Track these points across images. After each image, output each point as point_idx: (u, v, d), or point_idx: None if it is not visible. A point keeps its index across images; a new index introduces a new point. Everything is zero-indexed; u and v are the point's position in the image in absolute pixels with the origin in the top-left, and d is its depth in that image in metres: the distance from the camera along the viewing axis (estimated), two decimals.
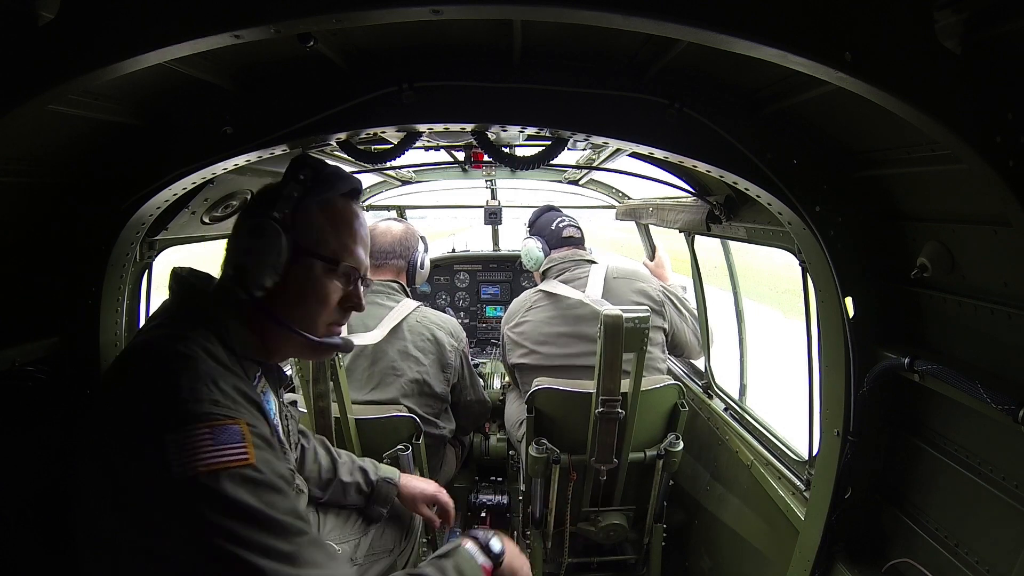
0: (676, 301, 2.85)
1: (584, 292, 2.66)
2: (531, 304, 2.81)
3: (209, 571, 0.90)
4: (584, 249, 2.95)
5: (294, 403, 2.20)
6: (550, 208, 3.16)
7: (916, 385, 1.43)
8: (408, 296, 2.55)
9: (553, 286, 2.77)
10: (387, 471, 1.93)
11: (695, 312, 2.93)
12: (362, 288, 1.33)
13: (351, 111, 1.50)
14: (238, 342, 1.15)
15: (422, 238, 2.69)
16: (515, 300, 2.97)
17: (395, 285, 2.51)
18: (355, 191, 1.35)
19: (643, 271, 2.98)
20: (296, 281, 1.21)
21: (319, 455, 1.82)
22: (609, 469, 2.43)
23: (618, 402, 2.33)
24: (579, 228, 3.01)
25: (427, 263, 2.70)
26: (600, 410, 2.34)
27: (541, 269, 2.94)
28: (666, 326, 2.76)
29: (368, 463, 1.93)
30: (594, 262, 2.83)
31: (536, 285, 2.93)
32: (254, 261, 1.17)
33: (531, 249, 2.97)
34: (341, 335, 1.34)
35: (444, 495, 1.97)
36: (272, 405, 1.27)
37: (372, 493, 1.87)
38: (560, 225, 2.98)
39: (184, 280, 1.22)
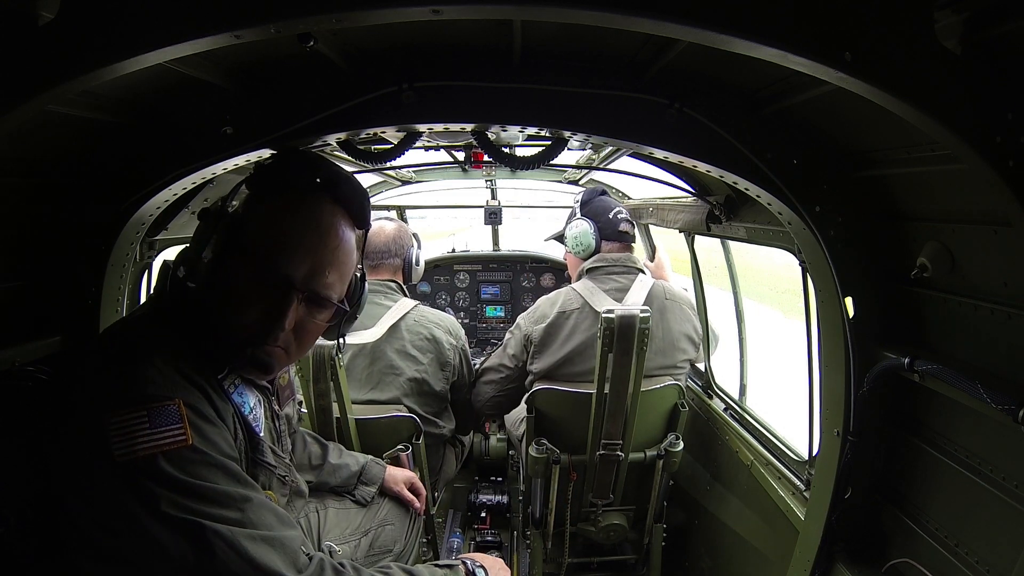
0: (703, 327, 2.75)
1: (621, 304, 2.44)
2: (571, 305, 2.52)
3: (163, 538, 0.93)
4: (633, 251, 2.72)
5: (300, 402, 2.21)
6: (604, 192, 2.84)
7: (916, 385, 1.43)
8: (405, 295, 2.55)
9: (596, 293, 2.51)
10: (375, 459, 2.05)
11: None
12: (300, 307, 1.13)
13: (351, 111, 1.50)
14: (192, 330, 1.11)
15: (414, 235, 2.68)
16: (544, 298, 2.64)
17: (392, 284, 2.51)
18: (326, 184, 1.17)
19: (686, 295, 2.73)
20: (222, 274, 1.12)
21: (308, 443, 1.89)
22: (609, 467, 2.44)
23: (619, 445, 2.34)
24: (633, 223, 2.75)
25: (422, 260, 2.70)
26: (601, 452, 2.34)
27: (587, 266, 2.64)
28: (695, 358, 2.67)
29: (358, 453, 2.04)
30: (643, 271, 2.64)
31: (549, 282, 2.75)
32: (189, 245, 1.14)
33: (584, 232, 2.64)
34: (268, 353, 1.13)
35: (418, 481, 2.11)
36: (250, 401, 1.23)
37: (361, 472, 1.95)
38: (617, 216, 2.68)
39: (164, 267, 1.20)
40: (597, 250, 2.67)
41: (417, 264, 2.64)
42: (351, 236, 1.22)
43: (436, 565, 1.36)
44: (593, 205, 2.73)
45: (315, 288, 1.15)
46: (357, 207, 1.22)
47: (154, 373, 0.99)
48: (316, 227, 1.14)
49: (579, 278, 2.66)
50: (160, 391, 0.97)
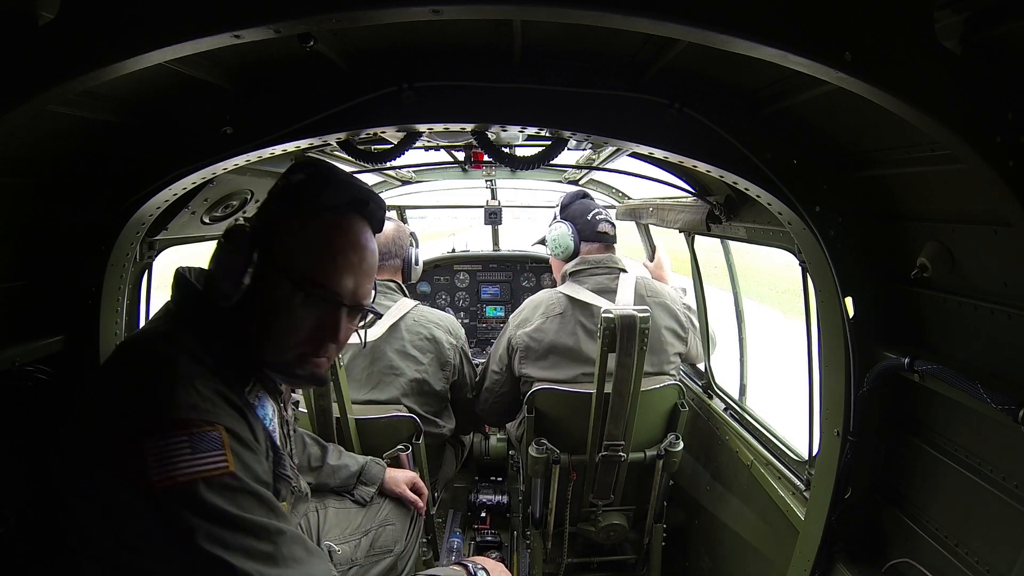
0: (693, 320, 2.75)
1: (612, 303, 2.45)
2: (554, 310, 2.52)
3: (193, 569, 0.91)
4: (615, 251, 2.72)
5: (296, 403, 2.21)
6: (585, 195, 2.85)
7: (916, 385, 1.43)
8: (405, 295, 2.55)
9: (580, 293, 2.51)
10: (375, 459, 2.06)
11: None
12: (346, 318, 1.18)
13: (351, 111, 1.50)
14: (223, 348, 1.11)
15: (412, 234, 2.69)
16: (529, 300, 2.66)
17: (392, 284, 2.52)
18: (357, 202, 1.19)
19: (667, 289, 2.73)
20: (263, 298, 1.12)
21: (308, 445, 1.89)
22: (611, 467, 2.44)
23: (621, 446, 2.34)
24: (613, 224, 2.75)
25: (420, 259, 2.70)
26: (603, 454, 2.35)
27: (569, 269, 2.66)
28: (684, 351, 2.67)
29: (357, 454, 2.05)
30: (625, 270, 2.64)
31: (550, 283, 2.74)
32: (220, 268, 1.12)
33: (562, 235, 2.68)
34: (318, 365, 1.20)
35: (420, 481, 2.12)
36: (269, 412, 1.23)
37: (361, 472, 1.96)
38: (596, 217, 2.69)
39: (182, 279, 1.18)
40: (576, 251, 2.69)
41: (416, 263, 2.65)
42: (375, 244, 1.26)
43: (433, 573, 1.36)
44: (572, 208, 2.75)
45: (359, 300, 1.20)
46: (379, 219, 1.27)
47: (196, 397, 0.97)
48: (356, 245, 1.18)
49: (563, 281, 2.68)
50: (203, 416, 0.96)
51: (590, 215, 2.70)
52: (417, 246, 2.71)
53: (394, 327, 2.39)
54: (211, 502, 0.91)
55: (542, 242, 2.90)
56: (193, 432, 0.93)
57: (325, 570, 1.05)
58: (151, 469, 0.89)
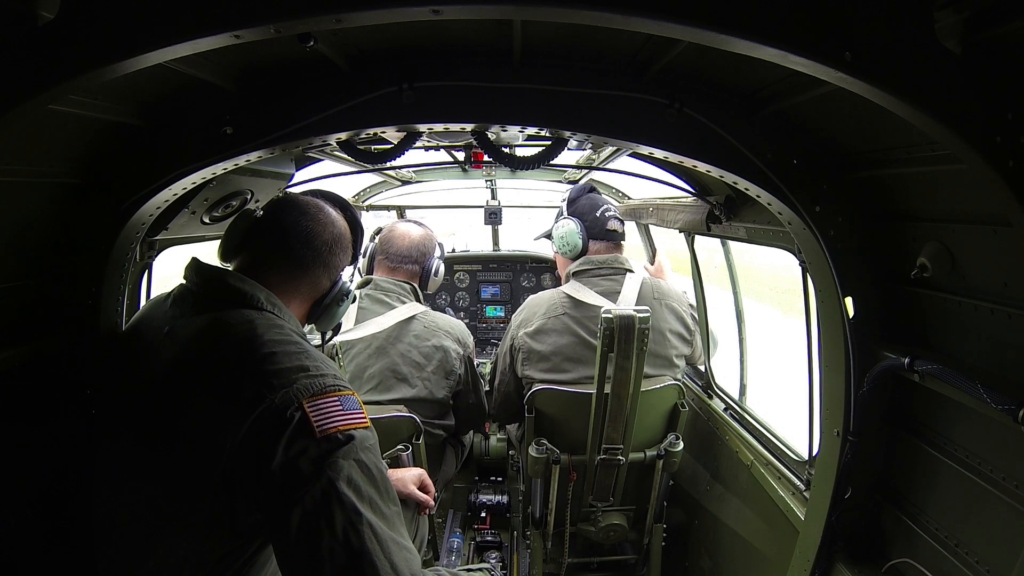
0: (696, 320, 2.72)
1: (615, 304, 2.43)
2: (556, 311, 2.49)
3: (326, 514, 1.02)
4: (622, 250, 2.68)
5: None
6: (592, 189, 2.80)
7: (916, 385, 1.43)
8: (419, 299, 2.52)
9: (584, 294, 2.49)
10: None
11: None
12: None
13: (351, 111, 1.50)
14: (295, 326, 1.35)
15: (439, 244, 2.66)
16: (531, 300, 2.63)
17: (407, 286, 2.49)
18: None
19: (675, 291, 2.69)
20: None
21: None
22: (610, 470, 2.44)
23: (620, 450, 2.34)
24: (622, 221, 2.69)
25: (441, 270, 2.66)
26: (601, 457, 2.35)
27: (573, 269, 2.61)
28: (689, 354, 2.66)
29: None
30: (631, 271, 2.61)
31: (550, 282, 2.71)
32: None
33: (570, 232, 2.60)
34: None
35: (427, 477, 2.10)
36: None
37: None
38: (605, 214, 2.63)
39: (227, 281, 1.32)
40: (584, 249, 2.64)
41: (436, 275, 2.61)
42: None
43: (468, 569, 1.41)
44: (580, 203, 2.69)
45: None
46: None
47: (333, 368, 1.19)
48: None
49: (567, 280, 2.64)
50: (343, 383, 1.16)
51: (599, 212, 2.64)
52: (443, 256, 2.67)
53: (401, 329, 2.37)
54: (358, 451, 1.09)
55: (548, 236, 2.86)
56: (341, 395, 1.13)
57: (415, 559, 1.14)
58: (315, 423, 1.07)
